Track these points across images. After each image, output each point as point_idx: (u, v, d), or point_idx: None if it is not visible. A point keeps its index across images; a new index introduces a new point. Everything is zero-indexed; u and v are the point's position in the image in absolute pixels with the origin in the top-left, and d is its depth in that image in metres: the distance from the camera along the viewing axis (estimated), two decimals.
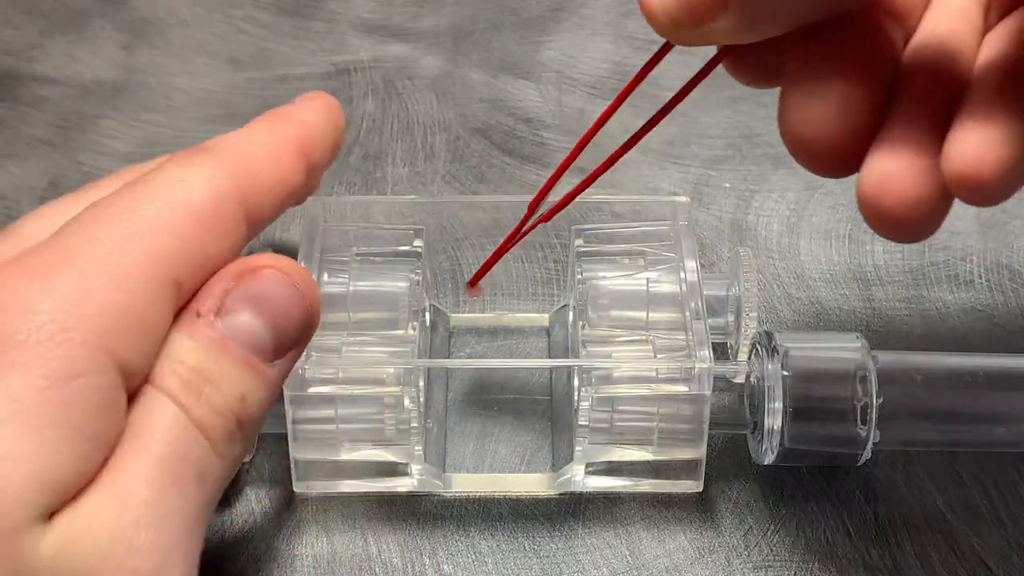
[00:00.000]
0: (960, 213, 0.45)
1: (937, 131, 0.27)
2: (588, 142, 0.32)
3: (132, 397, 0.26)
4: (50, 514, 0.24)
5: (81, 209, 0.29)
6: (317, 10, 0.55)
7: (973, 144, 0.26)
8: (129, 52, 0.53)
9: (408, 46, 0.53)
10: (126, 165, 0.47)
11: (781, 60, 0.29)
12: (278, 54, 0.53)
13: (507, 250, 0.35)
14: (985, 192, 0.26)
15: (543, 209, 0.34)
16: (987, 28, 0.30)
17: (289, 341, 0.29)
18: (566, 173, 0.33)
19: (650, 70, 0.30)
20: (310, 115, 0.33)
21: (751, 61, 0.30)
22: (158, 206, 0.27)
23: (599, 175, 0.32)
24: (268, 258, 0.29)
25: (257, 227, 0.30)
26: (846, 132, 0.28)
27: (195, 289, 0.28)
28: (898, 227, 0.28)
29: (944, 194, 0.27)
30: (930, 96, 0.28)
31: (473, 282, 0.36)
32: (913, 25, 0.30)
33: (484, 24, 0.54)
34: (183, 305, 0.28)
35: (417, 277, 0.36)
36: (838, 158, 0.28)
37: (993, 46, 0.29)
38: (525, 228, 0.34)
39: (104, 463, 0.25)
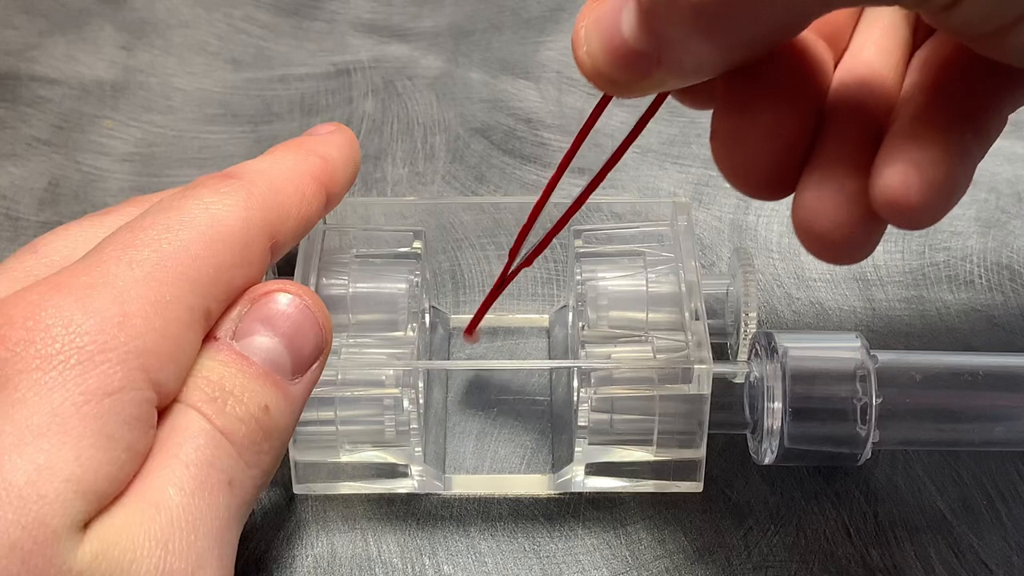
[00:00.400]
0: (960, 213, 0.45)
1: (867, 153, 0.28)
2: (540, 210, 0.33)
3: (163, 415, 0.27)
4: (88, 520, 0.25)
5: (100, 233, 0.30)
6: (317, 10, 0.55)
7: (899, 168, 0.26)
8: (129, 52, 0.53)
9: (408, 46, 0.53)
10: (126, 165, 0.48)
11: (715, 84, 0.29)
12: (278, 54, 0.53)
13: (496, 297, 0.35)
14: (913, 215, 0.27)
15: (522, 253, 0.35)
16: (915, 47, 0.30)
17: (307, 359, 0.30)
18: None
19: (595, 122, 0.31)
20: (332, 150, 0.33)
21: (689, 92, 0.30)
22: (194, 234, 0.28)
23: (566, 222, 0.33)
24: (279, 282, 0.30)
25: (277, 257, 0.31)
26: (775, 158, 0.28)
27: (220, 314, 0.29)
28: (833, 250, 0.28)
29: (877, 216, 0.27)
30: (859, 119, 0.29)
31: (470, 330, 0.37)
32: (843, 46, 0.31)
33: (484, 24, 0.54)
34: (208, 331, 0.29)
35: (416, 278, 0.36)
36: (768, 183, 0.29)
37: (919, 67, 0.29)
38: (510, 274, 0.35)
39: (137, 473, 0.26)
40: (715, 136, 0.29)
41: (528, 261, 0.34)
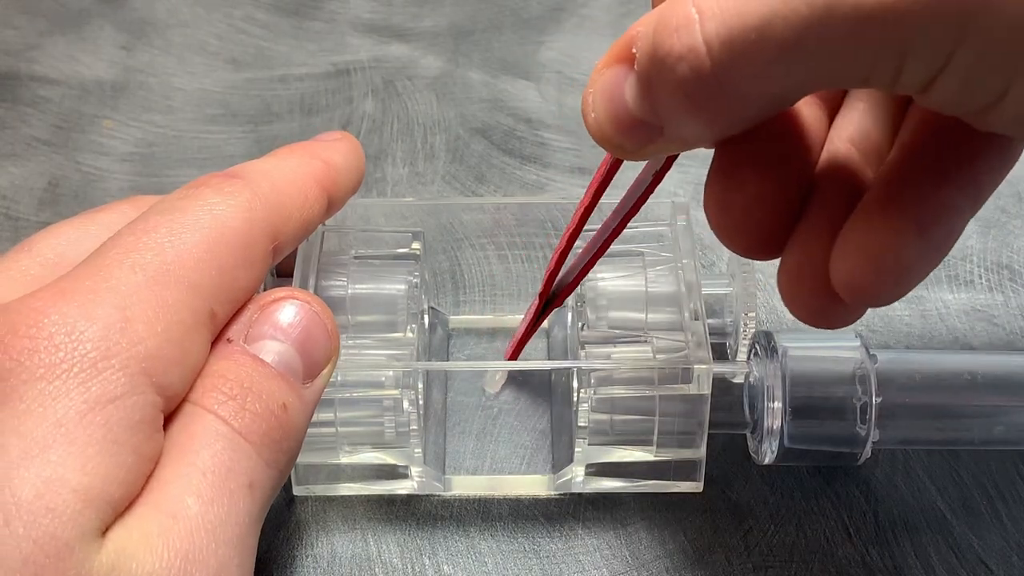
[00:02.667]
0: None
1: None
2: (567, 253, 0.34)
3: (171, 417, 0.27)
4: (104, 528, 0.25)
5: (94, 231, 0.30)
6: (317, 10, 0.55)
7: (851, 252, 0.27)
8: (129, 52, 0.53)
9: (408, 46, 0.53)
10: (126, 165, 0.48)
11: None
12: (278, 54, 0.53)
13: (529, 338, 0.36)
14: (869, 299, 0.27)
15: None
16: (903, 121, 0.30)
17: (317, 365, 0.30)
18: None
19: (609, 181, 0.31)
20: (336, 156, 0.33)
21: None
22: (197, 237, 0.28)
23: (601, 255, 0.34)
24: (287, 289, 0.30)
25: (278, 259, 0.31)
26: (762, 225, 0.28)
27: (227, 317, 0.29)
28: (816, 320, 0.28)
29: None
30: (844, 186, 0.29)
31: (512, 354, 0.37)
32: (838, 106, 0.31)
33: (484, 24, 0.54)
34: (216, 337, 0.29)
35: (415, 279, 0.36)
36: (758, 247, 0.29)
37: (909, 123, 0.29)
38: (541, 316, 0.35)
39: (149, 478, 0.26)
40: (707, 199, 0.29)
41: (559, 301, 0.35)
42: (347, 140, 0.34)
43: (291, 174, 0.31)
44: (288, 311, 0.29)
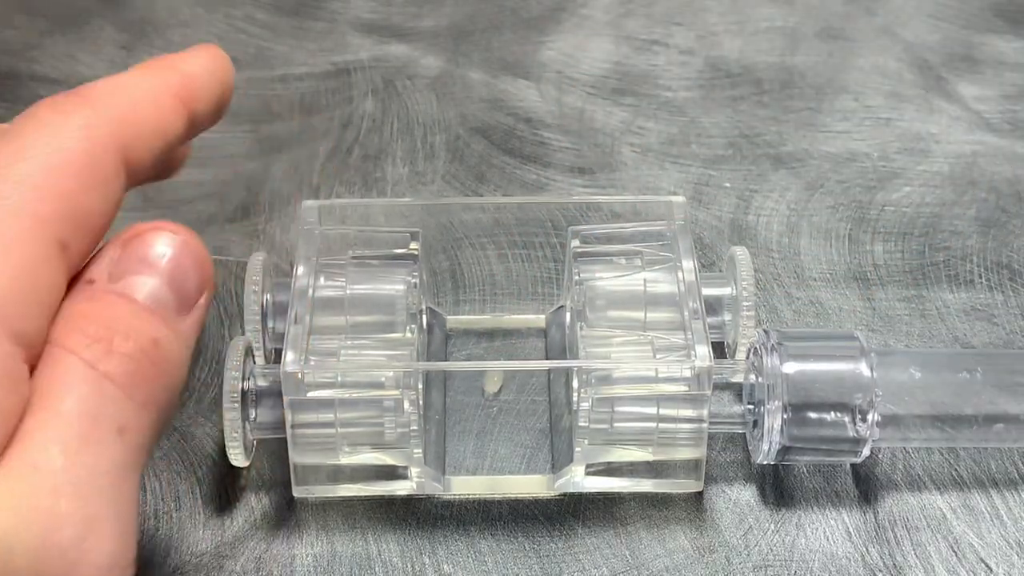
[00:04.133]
0: (960, 213, 0.45)
1: None
2: None
3: (34, 364, 0.25)
4: None
5: None
6: (317, 10, 0.55)
7: None
8: (129, 52, 0.53)
9: (408, 46, 0.53)
10: None
11: None
12: (278, 54, 0.53)
13: None
14: None
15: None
16: None
17: (190, 297, 0.28)
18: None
19: None
20: (193, 66, 0.31)
21: None
22: (34, 164, 0.26)
23: None
24: (150, 223, 0.28)
25: (137, 176, 0.29)
26: None
27: (82, 249, 0.27)
28: None
29: None
30: None
31: None
32: None
33: (484, 24, 0.54)
34: (76, 274, 0.27)
35: (414, 280, 0.36)
36: None
37: None
38: None
39: (17, 434, 0.24)
40: None
41: None
42: (207, 48, 0.32)
43: (140, 86, 0.29)
44: (153, 244, 0.28)
